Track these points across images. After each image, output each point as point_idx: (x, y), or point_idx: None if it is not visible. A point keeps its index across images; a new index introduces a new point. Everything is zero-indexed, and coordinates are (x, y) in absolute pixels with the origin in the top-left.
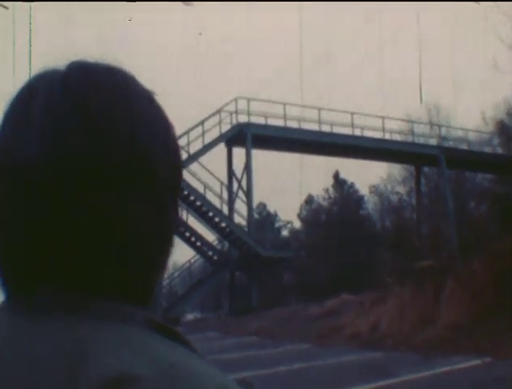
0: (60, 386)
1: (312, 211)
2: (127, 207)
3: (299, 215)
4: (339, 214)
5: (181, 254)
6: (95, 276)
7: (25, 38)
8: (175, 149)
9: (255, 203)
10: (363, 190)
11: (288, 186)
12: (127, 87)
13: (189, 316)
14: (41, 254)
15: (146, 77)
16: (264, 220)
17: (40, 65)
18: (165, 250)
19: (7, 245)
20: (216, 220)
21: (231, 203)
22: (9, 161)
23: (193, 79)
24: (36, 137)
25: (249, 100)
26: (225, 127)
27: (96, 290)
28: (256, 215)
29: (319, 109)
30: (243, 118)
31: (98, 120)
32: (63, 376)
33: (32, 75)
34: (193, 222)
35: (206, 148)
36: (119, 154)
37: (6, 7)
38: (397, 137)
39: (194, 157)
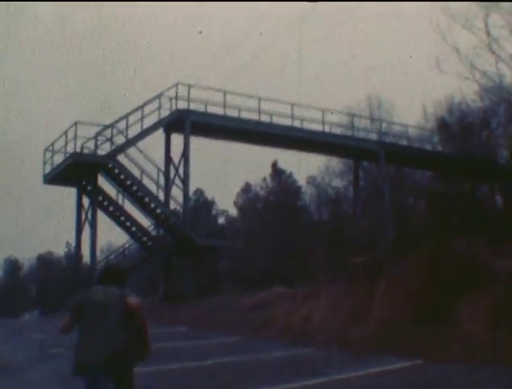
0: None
1: (249, 199)
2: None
3: (235, 203)
4: (275, 204)
5: (118, 236)
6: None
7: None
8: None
9: (192, 189)
10: (301, 180)
11: (226, 174)
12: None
13: None
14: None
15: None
16: (201, 207)
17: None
18: None
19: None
20: (152, 205)
21: (167, 189)
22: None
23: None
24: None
25: (189, 86)
26: (165, 113)
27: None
28: (192, 202)
29: (259, 99)
30: (183, 104)
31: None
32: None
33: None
34: (128, 207)
35: (145, 133)
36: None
37: None
38: (337, 130)
39: (132, 141)
